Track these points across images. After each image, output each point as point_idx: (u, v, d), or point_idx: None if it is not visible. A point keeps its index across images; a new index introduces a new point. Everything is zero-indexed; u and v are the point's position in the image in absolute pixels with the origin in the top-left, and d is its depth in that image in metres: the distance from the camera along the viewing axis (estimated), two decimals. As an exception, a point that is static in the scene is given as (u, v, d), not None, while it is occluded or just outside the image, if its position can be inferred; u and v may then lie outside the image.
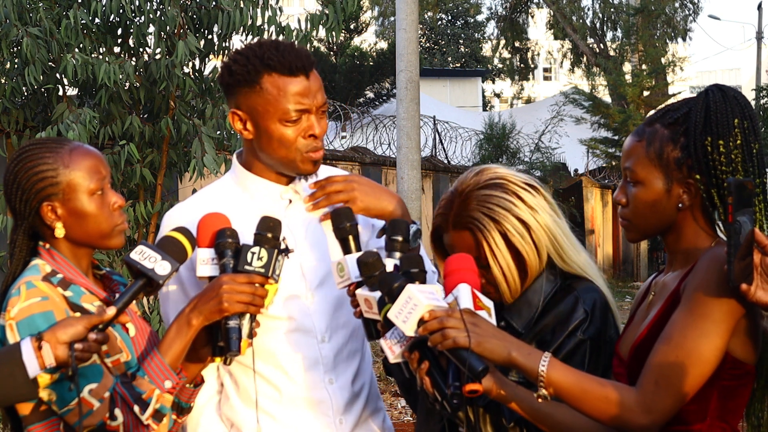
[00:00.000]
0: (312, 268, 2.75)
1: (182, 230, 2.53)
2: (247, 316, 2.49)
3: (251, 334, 2.51)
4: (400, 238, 2.55)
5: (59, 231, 2.52)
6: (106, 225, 2.55)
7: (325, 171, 2.88)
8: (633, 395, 2.32)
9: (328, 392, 2.75)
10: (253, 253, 2.48)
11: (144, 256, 2.44)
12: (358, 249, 2.56)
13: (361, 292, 2.46)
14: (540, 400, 2.33)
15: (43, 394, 2.38)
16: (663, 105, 2.58)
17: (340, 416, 2.76)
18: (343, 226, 2.57)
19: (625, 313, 2.73)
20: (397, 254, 2.53)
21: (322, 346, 2.75)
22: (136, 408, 2.43)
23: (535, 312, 2.65)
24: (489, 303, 2.39)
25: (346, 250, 2.57)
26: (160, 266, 2.44)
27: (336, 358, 2.77)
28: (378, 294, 2.41)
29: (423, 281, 2.42)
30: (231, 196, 2.80)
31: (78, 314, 2.43)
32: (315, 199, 2.73)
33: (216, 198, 2.80)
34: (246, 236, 2.55)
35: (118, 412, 2.42)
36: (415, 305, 2.28)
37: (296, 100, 2.65)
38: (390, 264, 2.51)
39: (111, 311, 2.33)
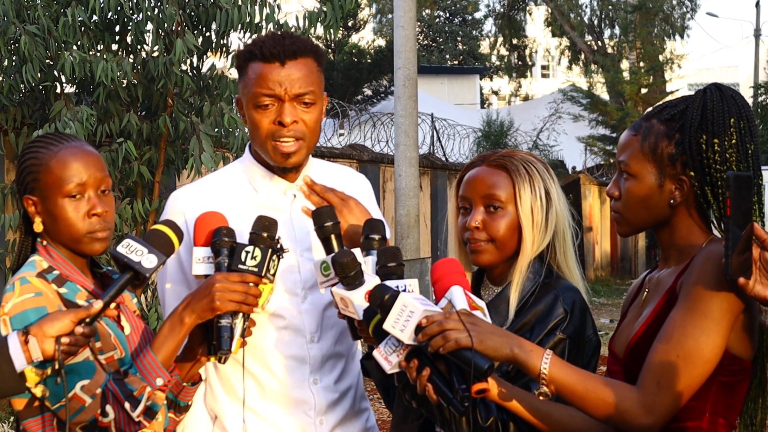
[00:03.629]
0: (309, 267, 2.74)
1: (169, 223, 2.53)
2: (240, 315, 2.49)
3: (244, 333, 2.51)
4: (376, 237, 2.56)
5: (37, 226, 2.54)
6: (77, 230, 2.54)
7: (329, 169, 2.89)
8: (635, 395, 2.32)
9: (312, 392, 2.76)
10: (247, 253, 2.48)
11: (131, 249, 2.44)
12: (341, 248, 2.55)
13: (337, 291, 2.46)
14: (541, 397, 2.34)
15: (37, 390, 2.38)
16: (661, 102, 2.58)
17: (321, 416, 2.76)
18: (325, 226, 2.56)
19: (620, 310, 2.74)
20: (375, 252, 2.53)
21: (310, 346, 2.76)
22: (127, 405, 2.43)
23: (515, 309, 2.65)
24: (482, 303, 2.40)
25: (329, 250, 2.56)
26: (147, 259, 2.44)
27: (323, 358, 2.77)
28: (352, 293, 2.41)
29: (401, 275, 2.43)
30: (237, 185, 2.81)
31: None
32: (307, 194, 2.72)
33: (222, 186, 2.82)
34: (246, 229, 2.55)
35: (109, 408, 2.42)
36: (411, 312, 2.28)
37: (264, 85, 2.66)
38: (369, 262, 2.51)
39: (98, 305, 2.33)
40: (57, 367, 2.26)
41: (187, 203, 2.74)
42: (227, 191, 2.78)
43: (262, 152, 2.74)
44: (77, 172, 2.53)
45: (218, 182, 2.84)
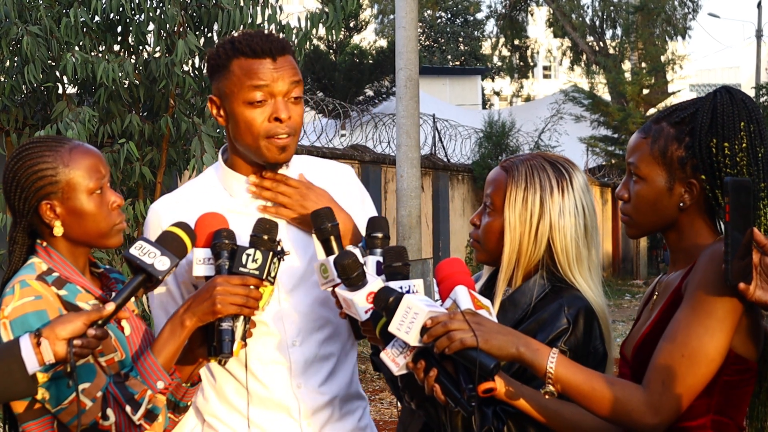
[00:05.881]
0: (287, 270, 2.69)
1: (182, 225, 2.51)
2: (241, 318, 2.47)
3: (245, 336, 2.49)
4: (380, 235, 2.54)
5: (57, 230, 2.53)
6: (105, 224, 2.56)
7: (312, 164, 2.86)
8: (641, 395, 2.31)
9: (296, 397, 2.72)
10: (248, 255, 2.46)
11: (144, 251, 2.44)
12: (341, 249, 2.53)
13: (340, 292, 2.44)
14: (547, 396, 2.33)
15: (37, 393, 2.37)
16: (671, 103, 2.56)
17: (307, 420, 2.73)
18: (324, 227, 2.53)
19: (625, 311, 2.73)
20: (378, 251, 2.51)
21: (292, 351, 2.72)
22: (128, 408, 2.42)
23: (521, 314, 2.63)
24: (487, 302, 2.39)
25: (329, 251, 2.53)
26: (160, 261, 2.43)
27: (306, 362, 2.74)
28: (354, 295, 2.40)
29: (406, 274, 2.42)
30: (212, 191, 2.78)
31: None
32: (261, 189, 2.71)
33: (199, 192, 2.78)
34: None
35: (110, 411, 2.41)
36: (416, 314, 2.27)
37: (259, 81, 2.63)
38: (371, 261, 2.50)
39: (110, 307, 2.32)
40: (69, 369, 2.25)
41: (167, 214, 2.71)
42: (203, 198, 2.75)
43: (252, 149, 2.68)
44: (96, 167, 2.55)
45: (194, 190, 2.81)
